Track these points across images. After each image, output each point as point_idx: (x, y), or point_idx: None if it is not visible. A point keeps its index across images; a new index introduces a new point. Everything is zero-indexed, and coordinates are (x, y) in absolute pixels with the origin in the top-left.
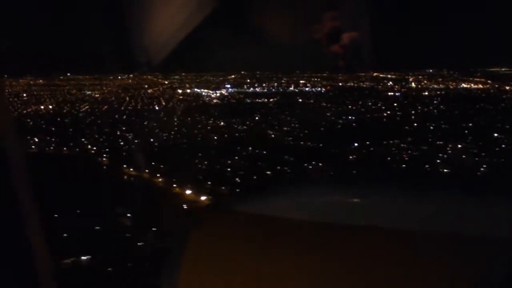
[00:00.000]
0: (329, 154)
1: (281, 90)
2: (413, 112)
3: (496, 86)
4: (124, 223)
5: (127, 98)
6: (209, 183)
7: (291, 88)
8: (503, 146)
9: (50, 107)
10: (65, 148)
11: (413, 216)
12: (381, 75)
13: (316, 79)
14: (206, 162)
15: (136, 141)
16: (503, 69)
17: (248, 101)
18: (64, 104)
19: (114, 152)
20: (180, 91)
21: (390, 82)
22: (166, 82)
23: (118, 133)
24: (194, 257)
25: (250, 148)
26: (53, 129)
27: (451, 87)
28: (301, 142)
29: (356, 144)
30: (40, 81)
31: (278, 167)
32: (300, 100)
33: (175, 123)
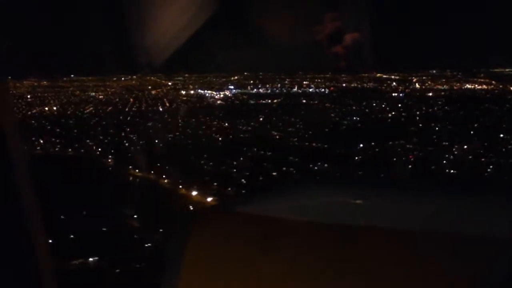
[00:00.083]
0: (334, 155)
1: (285, 91)
2: (417, 113)
3: (500, 86)
4: (129, 224)
5: (131, 99)
6: (215, 184)
7: (295, 89)
8: (509, 146)
9: (54, 108)
10: (70, 150)
11: (413, 216)
12: (384, 76)
13: (319, 80)
14: (211, 163)
15: (141, 142)
16: (506, 70)
17: (252, 102)
18: (68, 105)
19: (119, 153)
20: (183, 92)
21: (394, 83)
22: (169, 83)
23: (122, 134)
24: (195, 257)
25: (255, 149)
26: (58, 130)
27: (455, 88)
28: (306, 143)
29: (361, 145)
30: (44, 82)
31: (284, 168)
32: (304, 101)
33: (180, 124)
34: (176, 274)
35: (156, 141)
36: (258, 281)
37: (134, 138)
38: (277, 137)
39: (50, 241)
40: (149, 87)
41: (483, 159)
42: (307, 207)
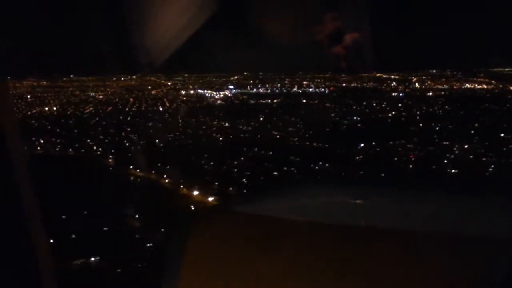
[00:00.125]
0: (335, 154)
1: (285, 91)
2: (418, 112)
3: (500, 86)
4: (130, 224)
5: (131, 99)
6: (216, 183)
7: (295, 89)
8: (510, 146)
9: (54, 108)
10: (70, 150)
11: (413, 216)
12: (384, 76)
13: (319, 80)
14: (212, 163)
15: (141, 142)
16: (506, 69)
17: (252, 102)
18: (68, 105)
19: (120, 153)
20: (183, 92)
21: (394, 83)
22: (169, 83)
23: (123, 134)
24: (195, 257)
25: (255, 148)
26: (58, 130)
27: (455, 87)
28: (307, 143)
29: (362, 145)
30: (44, 82)
31: (285, 168)
32: (304, 100)
33: (180, 124)
34: (176, 274)
35: (157, 141)
36: (258, 281)
37: (135, 138)
38: (278, 137)
39: (50, 241)
40: (149, 87)
41: (483, 159)
42: (307, 207)
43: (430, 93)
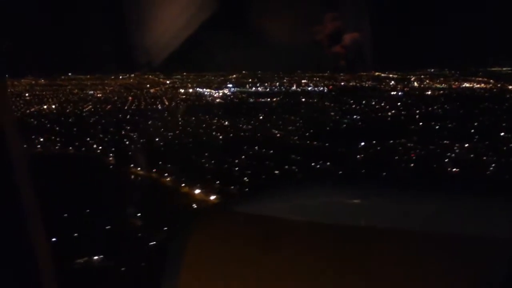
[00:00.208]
0: (336, 153)
1: (284, 89)
2: (417, 111)
3: (499, 85)
4: (131, 223)
5: (130, 98)
6: (217, 182)
7: (294, 88)
8: (510, 145)
9: (53, 107)
10: (70, 148)
11: (413, 216)
12: (383, 75)
13: (317, 79)
14: (213, 162)
15: (141, 140)
16: (504, 69)
17: (251, 100)
18: (67, 104)
19: (120, 151)
20: (182, 90)
21: (393, 82)
22: (168, 82)
23: (123, 132)
24: (195, 257)
25: (256, 147)
26: (57, 129)
27: (454, 86)
28: (307, 142)
29: (363, 144)
30: (42, 81)
31: (286, 167)
32: (303, 99)
33: (179, 123)
34: (176, 274)
35: (157, 139)
36: (258, 281)
37: (135, 136)
38: (278, 135)
39: (51, 240)
40: (148, 86)
41: (484, 158)
42: (307, 207)
43: (429, 92)
